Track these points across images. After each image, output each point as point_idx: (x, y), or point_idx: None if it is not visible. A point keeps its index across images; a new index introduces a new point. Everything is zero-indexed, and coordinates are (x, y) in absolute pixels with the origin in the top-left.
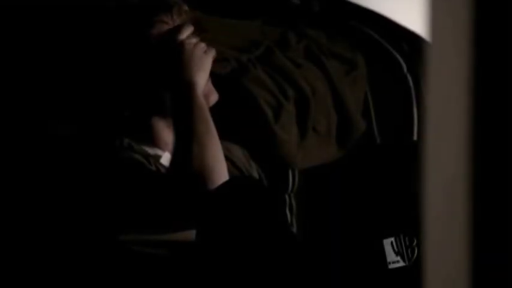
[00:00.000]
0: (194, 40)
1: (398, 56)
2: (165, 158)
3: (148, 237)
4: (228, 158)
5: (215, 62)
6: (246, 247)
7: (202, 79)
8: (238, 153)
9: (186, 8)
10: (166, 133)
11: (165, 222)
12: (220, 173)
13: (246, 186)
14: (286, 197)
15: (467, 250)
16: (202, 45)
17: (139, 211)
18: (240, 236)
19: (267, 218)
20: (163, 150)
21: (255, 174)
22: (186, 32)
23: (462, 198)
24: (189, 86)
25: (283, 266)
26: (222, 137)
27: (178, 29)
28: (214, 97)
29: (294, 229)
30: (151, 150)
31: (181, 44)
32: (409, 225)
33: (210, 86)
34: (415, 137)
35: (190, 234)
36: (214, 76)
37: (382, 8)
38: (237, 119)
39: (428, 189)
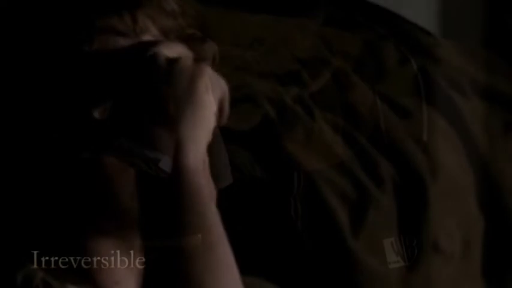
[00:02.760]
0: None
1: (408, 53)
2: (164, 162)
3: (150, 243)
4: (231, 162)
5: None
6: (253, 247)
7: (196, 131)
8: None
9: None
10: (166, 136)
11: (168, 227)
12: None
13: (251, 187)
14: (291, 200)
15: None
16: (189, 65)
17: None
18: (247, 236)
19: (273, 217)
20: (164, 153)
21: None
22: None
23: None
24: (176, 149)
25: (290, 265)
26: (225, 138)
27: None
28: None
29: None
30: (151, 154)
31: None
32: (411, 225)
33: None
34: (424, 137)
35: (195, 239)
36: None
37: (391, 3)
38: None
39: (437, 189)
